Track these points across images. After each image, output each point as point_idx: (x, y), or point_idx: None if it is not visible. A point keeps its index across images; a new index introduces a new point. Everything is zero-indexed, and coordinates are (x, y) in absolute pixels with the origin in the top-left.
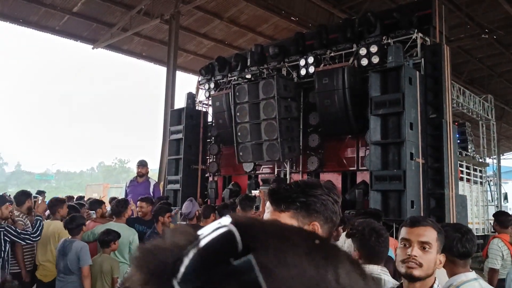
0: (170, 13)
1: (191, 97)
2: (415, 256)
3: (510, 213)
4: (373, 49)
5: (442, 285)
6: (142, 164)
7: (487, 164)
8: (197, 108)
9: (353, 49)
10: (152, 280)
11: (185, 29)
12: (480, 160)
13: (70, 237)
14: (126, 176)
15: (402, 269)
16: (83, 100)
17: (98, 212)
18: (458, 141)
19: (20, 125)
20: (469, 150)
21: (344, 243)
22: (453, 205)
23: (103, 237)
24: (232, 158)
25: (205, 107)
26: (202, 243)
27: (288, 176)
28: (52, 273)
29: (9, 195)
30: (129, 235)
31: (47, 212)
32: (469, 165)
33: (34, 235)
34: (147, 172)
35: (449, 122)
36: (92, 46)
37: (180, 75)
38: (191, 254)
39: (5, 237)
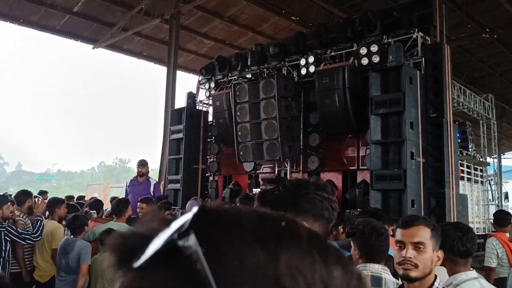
0: (171, 12)
1: (192, 97)
2: (409, 258)
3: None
4: (374, 48)
5: (443, 283)
6: (142, 164)
7: (488, 164)
8: (197, 108)
9: (354, 49)
10: (119, 261)
11: (186, 28)
12: (481, 160)
13: (72, 236)
14: (126, 176)
15: (399, 271)
16: (83, 100)
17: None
18: (459, 140)
19: (21, 125)
20: (470, 150)
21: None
22: (453, 204)
23: (103, 236)
24: (233, 158)
25: (205, 107)
26: (159, 232)
27: (288, 176)
28: (48, 273)
29: (10, 194)
30: None
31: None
32: (469, 164)
33: (35, 235)
34: (147, 172)
35: (450, 122)
36: (92, 46)
37: (180, 74)
38: (150, 236)
39: (6, 237)
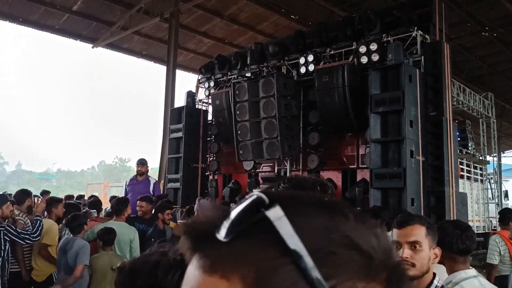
0: (170, 11)
1: (191, 96)
2: (406, 257)
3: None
4: (373, 47)
5: (442, 281)
6: (142, 163)
7: (488, 162)
8: (197, 107)
9: (353, 47)
10: (197, 243)
11: (185, 27)
12: (481, 158)
13: (71, 235)
14: (126, 175)
15: None
16: (83, 99)
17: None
18: (459, 139)
19: (20, 124)
20: (470, 148)
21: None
22: (453, 202)
23: (106, 236)
24: (232, 157)
25: (205, 106)
26: (235, 211)
27: (288, 175)
28: (44, 273)
29: (10, 194)
30: (129, 234)
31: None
32: (469, 163)
33: (34, 235)
34: (147, 171)
35: (449, 120)
36: (92, 45)
37: (180, 73)
38: (231, 214)
39: (5, 237)
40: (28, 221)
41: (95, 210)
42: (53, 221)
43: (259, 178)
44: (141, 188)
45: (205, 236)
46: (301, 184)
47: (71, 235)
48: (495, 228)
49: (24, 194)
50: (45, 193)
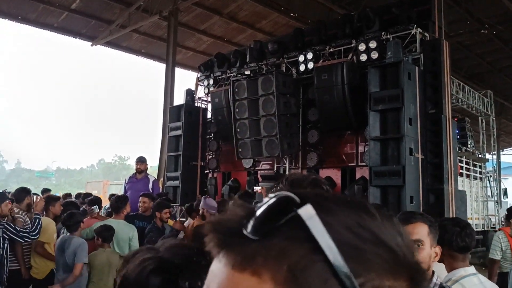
0: (169, 9)
1: (190, 94)
2: None
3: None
4: (372, 44)
5: (441, 279)
6: (141, 161)
7: (487, 160)
8: (196, 105)
9: (352, 45)
10: (224, 240)
11: (184, 25)
12: (480, 156)
13: (68, 233)
14: (126, 173)
15: None
16: (83, 97)
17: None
18: (458, 136)
19: (20, 122)
20: (469, 146)
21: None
22: (452, 200)
23: (105, 233)
24: (232, 155)
25: (204, 104)
26: (262, 209)
27: (287, 172)
28: (44, 270)
29: (9, 192)
30: (128, 232)
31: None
32: (468, 160)
33: (33, 234)
34: (146, 169)
35: (449, 118)
36: (91, 43)
37: (179, 71)
38: (258, 212)
39: (4, 235)
40: (28, 219)
41: (96, 206)
42: (50, 219)
43: (258, 176)
44: (140, 186)
45: (233, 233)
46: (297, 183)
47: (68, 234)
48: (494, 226)
49: (23, 192)
50: (45, 191)
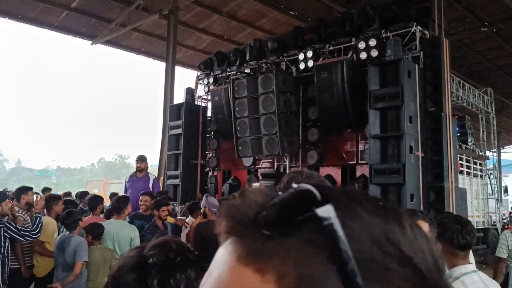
0: (169, 8)
1: (190, 92)
2: None
3: (510, 206)
4: (372, 42)
5: None
6: (141, 159)
7: (487, 157)
8: (196, 103)
9: (352, 43)
10: (236, 227)
11: (184, 24)
12: (480, 153)
13: (67, 232)
14: (126, 171)
15: None
16: (83, 96)
17: (99, 209)
18: (458, 134)
19: (20, 121)
20: (469, 143)
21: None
22: (452, 198)
23: (94, 230)
24: (232, 153)
25: (204, 102)
26: (280, 198)
27: (287, 171)
28: (45, 269)
29: (10, 191)
30: (130, 232)
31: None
32: (469, 158)
33: (34, 232)
34: (146, 167)
35: (449, 115)
36: (91, 42)
37: (179, 70)
38: (274, 205)
39: (5, 233)
40: (28, 218)
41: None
42: (52, 218)
43: (259, 174)
44: (140, 185)
45: (246, 222)
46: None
47: (67, 232)
48: (495, 224)
49: (21, 191)
50: (46, 190)
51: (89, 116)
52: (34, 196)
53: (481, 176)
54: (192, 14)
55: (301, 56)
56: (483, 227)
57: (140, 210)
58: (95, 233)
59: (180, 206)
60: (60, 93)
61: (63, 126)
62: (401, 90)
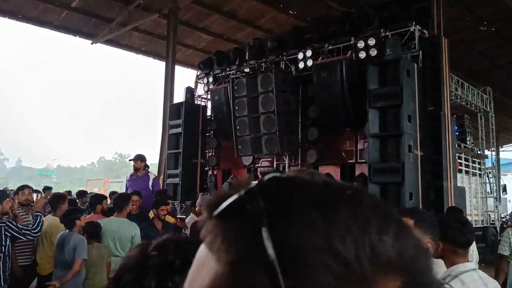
0: (169, 7)
1: (190, 91)
2: None
3: (510, 205)
4: (371, 42)
5: (439, 275)
6: (136, 159)
7: (486, 156)
8: (196, 102)
9: (351, 42)
10: (207, 214)
11: (184, 23)
12: (479, 152)
13: (67, 230)
14: (126, 170)
15: None
16: (83, 95)
17: (98, 208)
18: (457, 133)
19: (20, 120)
20: (468, 142)
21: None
22: (451, 197)
23: (92, 229)
24: (231, 152)
25: (204, 101)
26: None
27: (287, 169)
28: (49, 266)
29: (11, 189)
30: (131, 230)
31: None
32: (467, 157)
33: (35, 231)
34: (143, 167)
35: (448, 114)
36: (91, 41)
37: (179, 69)
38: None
39: (6, 232)
40: (30, 216)
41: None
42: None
43: (258, 173)
44: (140, 184)
45: (209, 211)
46: None
47: (67, 231)
48: (494, 222)
49: (19, 189)
50: (47, 189)
51: (89, 115)
52: (34, 195)
53: (480, 174)
54: (192, 13)
55: (300, 56)
56: (482, 225)
57: (132, 211)
58: (92, 232)
59: (180, 205)
60: (60, 92)
61: (63, 125)
62: (400, 89)
